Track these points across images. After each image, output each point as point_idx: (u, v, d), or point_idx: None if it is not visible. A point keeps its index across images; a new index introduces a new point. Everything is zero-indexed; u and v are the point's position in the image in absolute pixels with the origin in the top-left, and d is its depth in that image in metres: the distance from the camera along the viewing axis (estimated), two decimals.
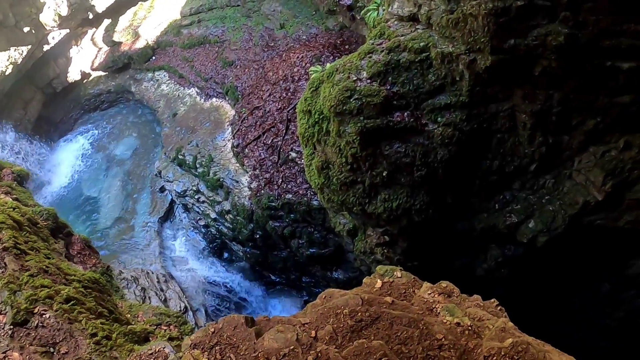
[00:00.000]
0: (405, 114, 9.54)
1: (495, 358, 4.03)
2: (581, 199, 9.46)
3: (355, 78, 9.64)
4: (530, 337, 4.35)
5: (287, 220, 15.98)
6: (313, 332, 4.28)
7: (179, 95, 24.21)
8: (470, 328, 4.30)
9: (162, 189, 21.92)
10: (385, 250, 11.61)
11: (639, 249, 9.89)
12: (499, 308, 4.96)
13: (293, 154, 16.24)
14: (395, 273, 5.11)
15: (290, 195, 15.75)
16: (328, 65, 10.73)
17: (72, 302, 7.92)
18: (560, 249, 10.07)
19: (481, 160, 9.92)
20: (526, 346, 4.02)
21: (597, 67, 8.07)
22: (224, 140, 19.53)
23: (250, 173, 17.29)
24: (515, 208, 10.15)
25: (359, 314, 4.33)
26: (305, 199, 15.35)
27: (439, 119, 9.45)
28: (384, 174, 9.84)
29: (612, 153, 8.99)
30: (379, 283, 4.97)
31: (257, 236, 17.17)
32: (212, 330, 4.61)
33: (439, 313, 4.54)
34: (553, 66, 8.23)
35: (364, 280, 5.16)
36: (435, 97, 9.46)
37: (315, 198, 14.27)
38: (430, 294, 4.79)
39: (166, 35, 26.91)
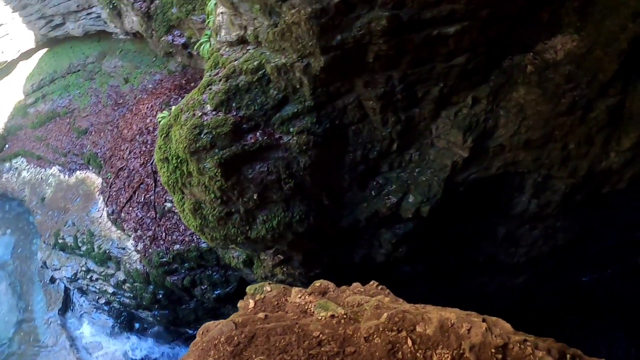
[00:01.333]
0: (258, 133, 9.63)
1: (375, 335, 4.13)
2: (449, 161, 9.93)
3: (200, 113, 9.61)
4: (407, 305, 4.48)
5: (182, 271, 15.64)
6: None
7: (41, 177, 23.00)
8: (345, 316, 4.38)
9: (53, 279, 20.80)
10: (285, 269, 11.61)
11: (517, 186, 10.47)
12: (379, 288, 5.09)
13: (168, 205, 16.01)
14: (265, 288, 5.12)
15: (178, 246, 15.49)
16: (173, 108, 10.63)
17: None
18: (447, 211, 10.51)
19: (344, 155, 10.18)
20: (402, 315, 4.15)
21: (426, 38, 8.47)
22: (98, 211, 18.76)
23: (133, 236, 16.78)
24: (392, 189, 10.47)
25: (235, 338, 4.30)
26: (193, 244, 15.19)
27: (291, 129, 9.61)
28: (255, 197, 9.85)
29: (464, 111, 9.51)
30: (251, 303, 4.97)
31: (160, 296, 16.63)
32: None
33: (313, 312, 4.60)
34: (384, 49, 8.58)
35: (238, 304, 5.15)
36: (282, 110, 9.62)
37: (203, 241, 14.08)
38: (300, 297, 4.84)
39: (14, 119, 25.49)
